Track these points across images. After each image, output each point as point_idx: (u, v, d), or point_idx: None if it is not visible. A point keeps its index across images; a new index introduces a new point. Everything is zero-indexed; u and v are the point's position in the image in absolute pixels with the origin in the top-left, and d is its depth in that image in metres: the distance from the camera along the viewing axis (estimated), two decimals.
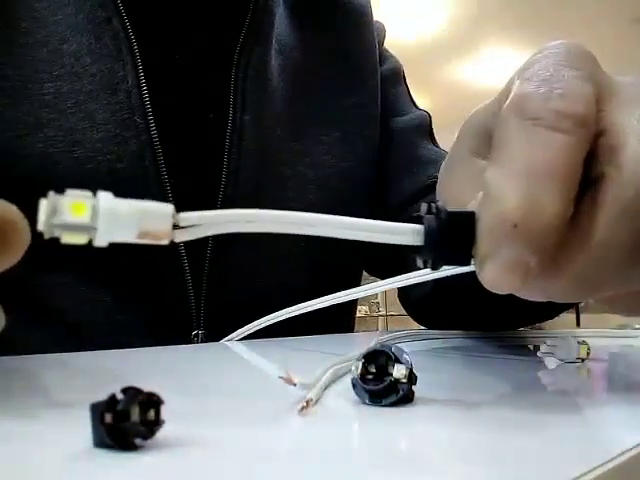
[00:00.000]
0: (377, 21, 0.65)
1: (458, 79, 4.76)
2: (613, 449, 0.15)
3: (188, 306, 0.48)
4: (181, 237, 0.18)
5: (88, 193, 0.17)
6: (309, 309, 0.37)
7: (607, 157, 0.20)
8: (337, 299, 0.36)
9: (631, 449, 0.15)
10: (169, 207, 0.17)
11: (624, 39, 3.95)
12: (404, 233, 0.19)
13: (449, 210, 0.19)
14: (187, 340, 0.47)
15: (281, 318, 0.38)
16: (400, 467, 0.15)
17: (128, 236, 0.17)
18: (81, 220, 0.16)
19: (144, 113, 0.46)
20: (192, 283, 0.48)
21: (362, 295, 0.35)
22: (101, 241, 0.17)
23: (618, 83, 0.22)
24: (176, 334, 0.47)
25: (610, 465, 0.14)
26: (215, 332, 0.45)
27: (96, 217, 0.16)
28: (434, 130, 0.62)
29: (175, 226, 0.17)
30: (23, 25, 0.46)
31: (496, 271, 0.19)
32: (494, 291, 0.19)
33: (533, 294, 0.21)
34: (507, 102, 0.21)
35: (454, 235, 0.19)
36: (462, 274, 0.36)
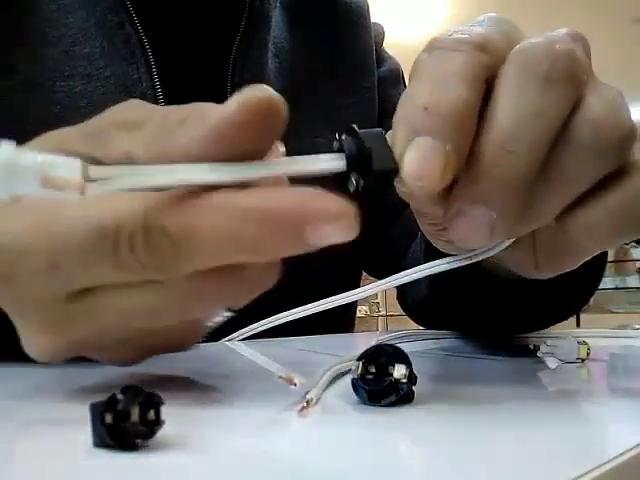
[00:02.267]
0: (376, 22, 0.65)
1: None
2: (613, 449, 0.15)
3: None
4: (93, 190, 0.17)
5: None
6: (310, 312, 0.37)
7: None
8: (338, 301, 0.36)
9: (631, 449, 0.15)
10: (77, 160, 0.17)
11: (624, 39, 3.95)
12: (327, 160, 0.20)
13: (360, 130, 0.20)
14: None
15: (282, 321, 0.38)
16: (400, 467, 0.15)
17: (31, 187, 0.16)
18: None
19: None
20: None
21: (363, 296, 0.35)
22: (1, 196, 0.16)
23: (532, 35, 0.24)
24: None
25: (610, 465, 0.14)
26: (214, 332, 0.45)
27: None
28: None
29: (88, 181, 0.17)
30: (31, 21, 0.47)
31: (416, 159, 0.20)
32: (417, 185, 0.20)
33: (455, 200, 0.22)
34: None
35: (373, 149, 0.20)
36: (457, 280, 0.36)
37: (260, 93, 0.18)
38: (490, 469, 0.15)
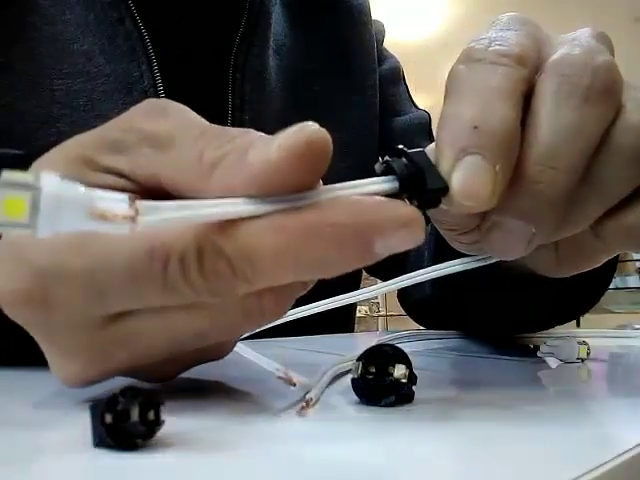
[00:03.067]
0: (377, 20, 0.65)
1: None
2: (613, 449, 0.15)
3: None
4: (143, 223, 0.15)
5: (29, 177, 0.14)
6: (311, 312, 0.37)
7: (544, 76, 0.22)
8: (339, 302, 0.36)
9: (631, 449, 0.15)
10: (123, 194, 0.15)
11: (624, 39, 3.95)
12: (379, 183, 0.19)
13: (409, 151, 0.20)
14: None
15: (282, 320, 0.38)
16: (400, 467, 0.15)
17: (77, 221, 0.15)
18: (17, 221, 0.14)
19: None
20: None
21: (364, 297, 0.35)
22: (43, 234, 0.14)
23: (554, 36, 0.24)
24: None
25: (610, 465, 0.14)
26: None
27: (36, 214, 0.14)
28: (434, 130, 0.62)
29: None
30: (28, 19, 0.46)
31: (466, 179, 0.20)
32: (467, 204, 0.20)
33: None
34: (459, 56, 0.23)
35: (424, 170, 0.20)
36: (461, 279, 0.36)
37: (304, 135, 0.17)
38: (490, 469, 0.15)
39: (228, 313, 0.19)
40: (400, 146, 0.20)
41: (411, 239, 0.17)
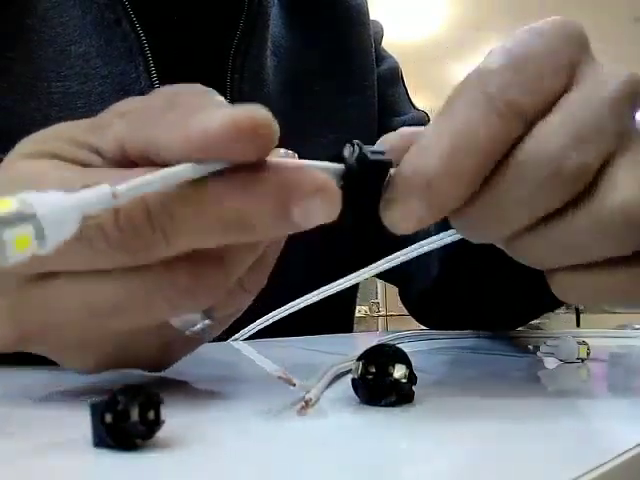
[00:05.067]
0: (375, 20, 0.65)
1: (458, 79, 4.74)
2: (613, 449, 0.15)
3: None
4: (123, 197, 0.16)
5: (12, 205, 0.14)
6: (310, 301, 0.37)
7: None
8: (339, 286, 0.36)
9: (631, 449, 0.15)
10: (105, 186, 0.16)
11: (624, 39, 3.95)
12: (325, 171, 0.20)
13: (371, 158, 0.21)
14: None
15: (285, 313, 0.38)
16: (400, 467, 0.15)
17: (71, 228, 0.15)
18: (28, 252, 0.14)
19: None
20: None
21: (362, 278, 0.35)
22: (51, 248, 0.15)
23: (595, 66, 0.23)
24: None
25: (610, 465, 0.14)
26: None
27: (43, 238, 0.14)
28: None
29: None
30: (27, 22, 0.46)
31: (398, 217, 0.21)
32: (391, 229, 0.21)
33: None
34: (479, 66, 0.22)
35: (370, 179, 0.21)
36: (463, 271, 0.36)
37: (251, 112, 0.17)
38: (490, 469, 0.15)
39: (142, 282, 0.19)
40: (370, 152, 0.21)
41: (327, 207, 0.18)
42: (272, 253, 0.24)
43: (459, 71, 4.93)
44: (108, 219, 0.17)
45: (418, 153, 0.21)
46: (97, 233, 0.17)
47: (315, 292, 0.36)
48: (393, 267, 0.28)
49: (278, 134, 0.18)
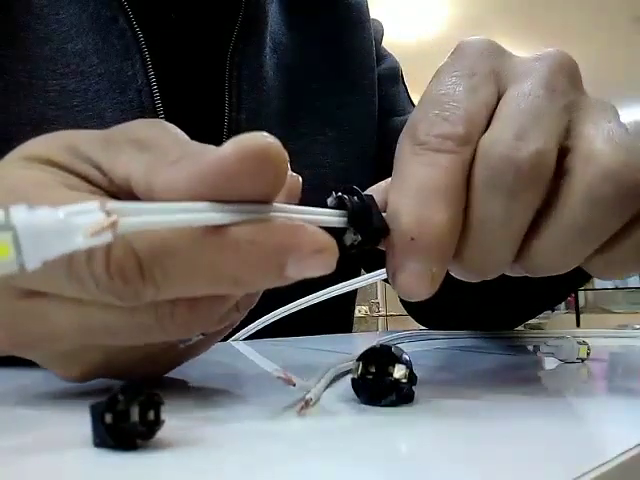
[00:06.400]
0: (375, 19, 0.65)
1: None
2: (613, 449, 0.15)
3: None
4: (124, 229, 0.15)
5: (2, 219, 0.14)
6: (310, 302, 0.37)
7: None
8: (337, 290, 0.36)
9: (631, 449, 0.15)
10: (94, 202, 0.15)
11: (624, 39, 3.95)
12: (330, 215, 0.21)
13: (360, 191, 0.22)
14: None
15: (286, 313, 0.38)
16: (400, 467, 0.15)
17: (62, 244, 0.14)
18: (5, 261, 0.14)
19: (154, 111, 0.46)
20: None
21: (360, 285, 0.35)
22: (33, 266, 0.14)
23: (516, 64, 0.24)
24: None
25: (610, 465, 0.14)
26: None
27: (20, 250, 0.14)
28: None
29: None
30: (22, 20, 0.46)
31: (407, 281, 0.22)
32: (410, 298, 0.22)
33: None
34: (406, 125, 0.24)
35: (371, 210, 0.22)
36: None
37: (261, 141, 0.17)
38: (490, 469, 0.15)
39: (139, 315, 0.19)
40: (354, 186, 0.22)
41: (323, 265, 0.17)
42: None
43: None
44: (99, 263, 0.17)
45: (393, 221, 0.22)
46: (87, 273, 0.17)
47: (315, 294, 0.36)
48: None
49: (288, 163, 0.18)
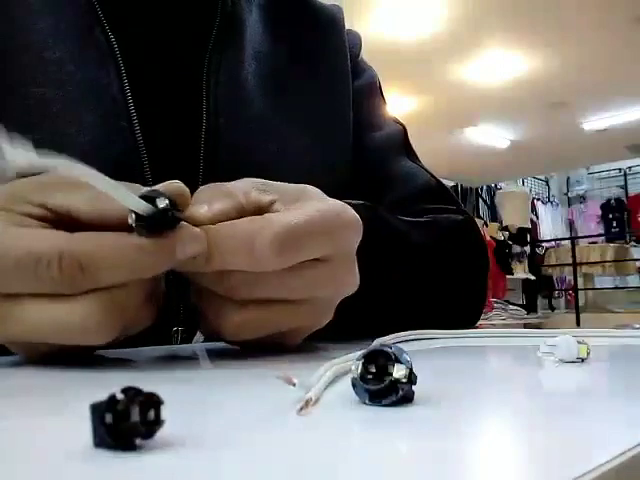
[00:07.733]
0: (352, 31, 0.67)
1: (458, 79, 4.75)
2: (613, 449, 0.15)
3: (168, 304, 0.48)
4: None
5: None
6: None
7: None
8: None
9: (631, 449, 0.15)
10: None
11: (624, 39, 3.95)
12: (134, 205, 0.26)
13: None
14: (167, 338, 0.47)
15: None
16: (400, 467, 0.15)
17: None
18: None
19: (129, 119, 0.47)
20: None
21: None
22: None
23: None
24: (155, 331, 0.47)
25: (610, 465, 0.14)
26: (194, 329, 0.46)
27: None
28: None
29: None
30: (1, 29, 0.47)
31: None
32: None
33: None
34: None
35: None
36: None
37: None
38: (490, 469, 0.15)
39: (78, 307, 0.28)
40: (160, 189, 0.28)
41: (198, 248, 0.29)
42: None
43: (459, 71, 4.93)
44: (54, 264, 0.27)
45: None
46: (47, 274, 0.27)
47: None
48: None
49: None
